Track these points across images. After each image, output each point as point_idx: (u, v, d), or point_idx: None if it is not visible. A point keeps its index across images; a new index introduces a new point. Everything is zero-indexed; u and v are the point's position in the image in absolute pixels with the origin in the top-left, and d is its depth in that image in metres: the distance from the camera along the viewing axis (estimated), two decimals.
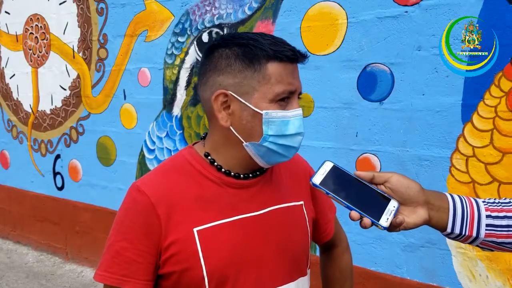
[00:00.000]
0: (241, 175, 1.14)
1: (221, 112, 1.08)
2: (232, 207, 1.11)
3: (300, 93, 1.12)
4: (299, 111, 1.09)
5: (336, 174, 0.99)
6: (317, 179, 0.98)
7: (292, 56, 1.06)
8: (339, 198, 0.96)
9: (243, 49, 1.06)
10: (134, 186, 1.11)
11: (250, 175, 1.15)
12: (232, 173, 1.13)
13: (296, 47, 1.10)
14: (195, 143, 1.21)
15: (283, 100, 1.06)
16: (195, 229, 1.07)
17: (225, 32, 3.32)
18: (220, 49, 1.09)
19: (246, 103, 1.06)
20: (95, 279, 1.09)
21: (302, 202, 1.25)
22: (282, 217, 1.18)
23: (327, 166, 1.00)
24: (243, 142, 1.09)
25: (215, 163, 1.13)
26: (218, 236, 1.08)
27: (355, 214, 0.95)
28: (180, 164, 1.15)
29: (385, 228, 0.94)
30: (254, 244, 1.12)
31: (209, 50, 1.12)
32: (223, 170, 1.13)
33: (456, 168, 2.46)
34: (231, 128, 1.08)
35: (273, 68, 1.05)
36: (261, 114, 1.05)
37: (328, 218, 1.37)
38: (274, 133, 1.06)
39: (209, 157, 1.14)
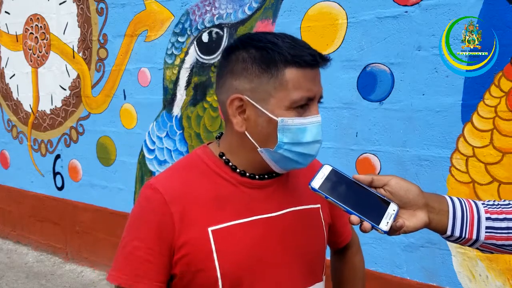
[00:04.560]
0: (256, 176, 1.11)
1: (236, 116, 1.05)
2: (248, 207, 1.08)
3: (321, 97, 1.07)
4: (317, 117, 1.04)
5: (335, 177, 0.98)
6: (316, 183, 0.96)
7: (312, 62, 1.01)
8: (338, 202, 0.95)
9: (261, 52, 1.02)
10: (147, 184, 1.08)
11: (266, 176, 1.12)
12: (247, 174, 1.10)
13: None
14: (210, 143, 1.18)
15: (301, 107, 1.02)
16: (209, 229, 1.04)
17: (225, 32, 3.32)
18: (237, 52, 1.05)
19: (262, 109, 1.02)
20: (108, 280, 1.07)
21: (319, 206, 1.21)
22: (299, 219, 1.15)
23: (326, 170, 0.99)
24: (258, 148, 1.06)
25: (230, 163, 1.10)
26: (234, 236, 1.05)
27: (355, 218, 0.93)
28: (194, 163, 1.12)
29: (385, 232, 0.93)
30: (270, 246, 1.08)
31: (226, 52, 1.08)
32: (238, 170, 1.10)
33: (456, 168, 2.46)
34: (246, 133, 1.06)
35: (291, 74, 1.00)
36: (277, 121, 1.01)
37: (344, 221, 1.33)
38: (289, 141, 1.02)
39: (224, 157, 1.11)
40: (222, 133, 1.16)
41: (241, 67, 1.04)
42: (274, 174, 1.13)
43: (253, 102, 1.03)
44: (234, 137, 1.09)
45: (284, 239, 1.10)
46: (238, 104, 1.04)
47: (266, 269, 1.07)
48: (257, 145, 1.06)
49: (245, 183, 1.10)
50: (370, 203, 0.96)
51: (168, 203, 1.03)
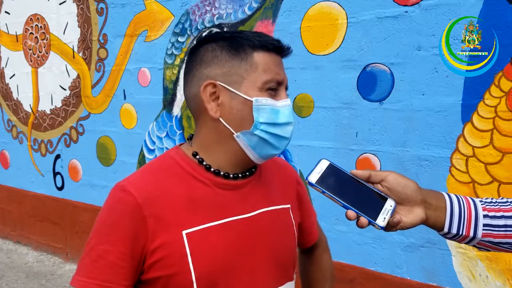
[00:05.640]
0: (231, 175, 1.10)
1: (210, 103, 1.06)
2: (222, 209, 1.08)
3: (287, 88, 1.12)
4: (287, 101, 1.09)
5: (333, 172, 0.97)
6: (313, 177, 0.95)
7: (278, 45, 1.08)
8: (335, 197, 0.94)
9: (229, 41, 1.07)
10: (118, 186, 1.05)
11: (240, 175, 1.12)
12: (221, 173, 1.09)
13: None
14: (181, 144, 1.17)
15: (272, 90, 1.06)
16: (184, 232, 1.02)
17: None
18: (205, 45, 1.09)
19: (236, 92, 1.05)
20: (72, 284, 1.02)
21: (289, 206, 1.23)
22: (271, 220, 1.15)
23: (323, 165, 0.98)
24: (234, 134, 1.06)
25: (204, 163, 1.09)
26: (208, 239, 1.04)
27: (351, 213, 0.93)
28: (167, 164, 1.10)
29: (382, 228, 0.93)
30: (245, 248, 1.08)
31: (193, 48, 1.12)
32: (212, 169, 1.09)
33: (456, 168, 2.45)
34: (220, 119, 1.06)
35: (259, 57, 1.06)
36: (251, 101, 1.04)
37: (312, 221, 1.36)
38: (265, 121, 1.05)
39: (197, 157, 1.10)
40: (193, 135, 1.16)
41: (211, 56, 1.07)
42: (247, 173, 1.14)
43: (227, 86, 1.05)
44: (208, 129, 1.10)
45: (258, 240, 1.11)
46: (211, 90, 1.06)
47: (240, 271, 1.07)
48: (233, 131, 1.07)
49: (219, 184, 1.09)
50: (367, 199, 0.95)
51: (141, 206, 1.01)
